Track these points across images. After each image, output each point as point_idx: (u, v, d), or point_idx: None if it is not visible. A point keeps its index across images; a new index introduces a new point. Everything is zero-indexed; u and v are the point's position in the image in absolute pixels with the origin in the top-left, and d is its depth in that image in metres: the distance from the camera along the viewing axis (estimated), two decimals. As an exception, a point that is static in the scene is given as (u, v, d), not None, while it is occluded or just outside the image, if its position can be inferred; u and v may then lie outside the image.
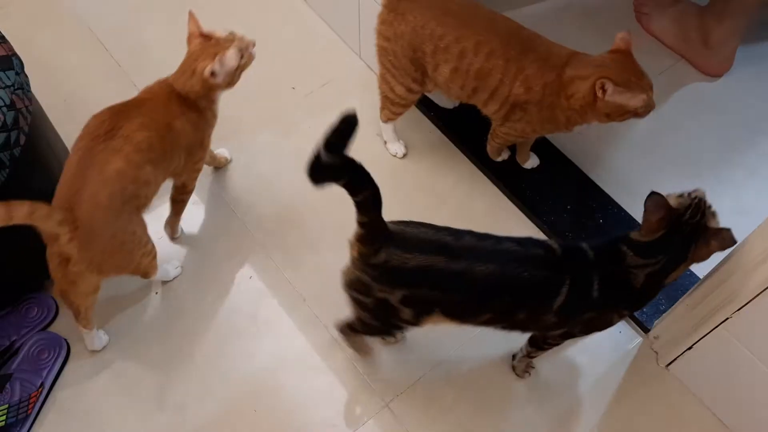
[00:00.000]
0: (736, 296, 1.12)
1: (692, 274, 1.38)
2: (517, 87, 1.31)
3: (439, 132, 1.67)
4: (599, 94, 1.21)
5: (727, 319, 1.15)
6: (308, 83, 1.74)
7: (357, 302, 1.17)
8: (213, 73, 1.23)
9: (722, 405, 1.30)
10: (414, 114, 1.68)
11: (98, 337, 1.37)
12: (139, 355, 1.38)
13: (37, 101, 1.35)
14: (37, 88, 1.35)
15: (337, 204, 1.54)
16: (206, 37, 1.28)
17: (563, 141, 1.63)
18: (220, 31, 1.29)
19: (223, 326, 1.41)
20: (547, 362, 1.37)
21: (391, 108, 1.52)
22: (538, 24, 1.35)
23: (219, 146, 1.61)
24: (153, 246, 1.31)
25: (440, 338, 1.40)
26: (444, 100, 1.65)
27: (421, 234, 1.10)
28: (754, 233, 1.08)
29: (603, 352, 1.39)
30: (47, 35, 1.83)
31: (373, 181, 1.02)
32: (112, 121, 1.20)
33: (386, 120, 1.56)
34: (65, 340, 1.37)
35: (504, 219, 1.55)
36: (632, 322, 1.42)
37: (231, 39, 1.27)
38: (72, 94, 1.71)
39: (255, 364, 1.37)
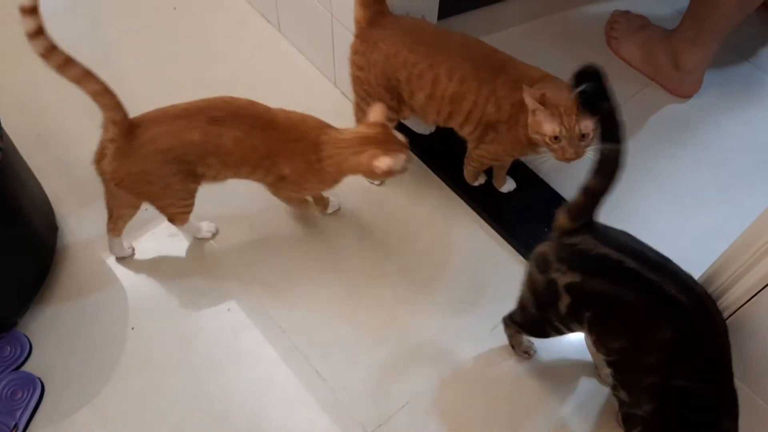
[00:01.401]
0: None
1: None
2: (489, 107, 1.33)
3: (415, 158, 1.68)
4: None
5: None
6: (284, 113, 1.75)
7: (529, 282, 1.18)
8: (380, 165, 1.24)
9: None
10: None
11: (119, 245, 1.47)
12: (117, 392, 1.35)
13: (8, 137, 1.34)
14: (9, 123, 1.34)
15: (316, 234, 1.56)
16: (384, 126, 1.28)
17: (539, 164, 1.64)
18: (398, 134, 1.30)
19: (202, 360, 1.39)
20: (528, 387, 1.37)
21: (367, 136, 1.52)
22: (512, 49, 1.37)
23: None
24: (190, 204, 1.38)
25: (421, 367, 1.39)
26: (420, 127, 1.66)
27: (622, 237, 1.11)
28: (727, 251, 1.09)
29: (588, 370, 1.39)
30: (20, 69, 1.82)
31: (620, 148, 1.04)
32: (226, 113, 1.26)
33: (363, 147, 1.57)
34: (39, 379, 1.34)
35: (482, 242, 1.55)
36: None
37: (405, 144, 1.28)
38: (45, 130, 1.70)
39: (236, 397, 1.35)
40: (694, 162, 1.69)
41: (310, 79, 1.83)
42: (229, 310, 1.45)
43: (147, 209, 1.56)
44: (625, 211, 1.60)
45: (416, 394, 1.35)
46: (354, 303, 1.46)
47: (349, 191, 1.60)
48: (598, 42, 1.91)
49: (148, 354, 1.39)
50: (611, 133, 1.04)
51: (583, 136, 1.22)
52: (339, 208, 1.57)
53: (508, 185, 1.61)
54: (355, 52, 1.39)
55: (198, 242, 1.53)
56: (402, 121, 1.53)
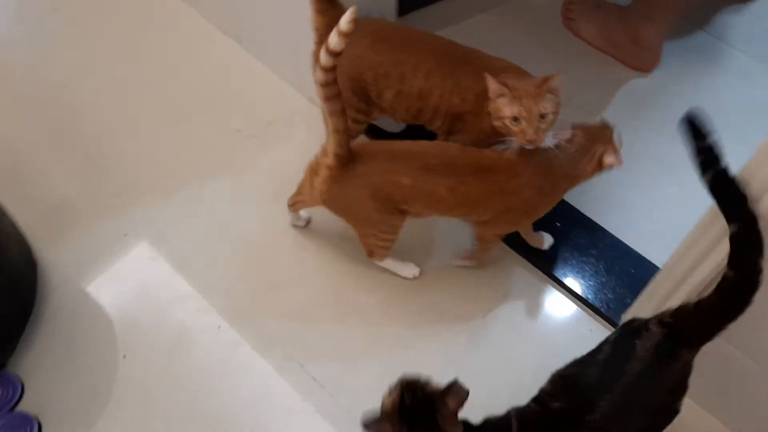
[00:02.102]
0: (688, 280, 1.16)
1: (654, 266, 1.43)
2: (455, 99, 1.35)
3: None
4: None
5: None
6: (252, 124, 1.74)
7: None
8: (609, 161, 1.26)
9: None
10: (362, 141, 1.69)
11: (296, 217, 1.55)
12: (114, 422, 1.33)
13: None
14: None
15: (304, 241, 1.56)
16: (583, 127, 1.28)
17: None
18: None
19: (197, 379, 1.38)
20: (523, 384, 1.39)
21: (339, 139, 1.53)
22: (473, 39, 1.39)
23: (165, 195, 1.60)
24: (391, 240, 1.40)
25: (419, 365, 1.40)
26: (390, 124, 1.67)
27: (672, 387, 1.07)
28: (699, 222, 1.12)
29: (573, 350, 1.41)
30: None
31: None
32: (440, 162, 1.26)
33: (335, 152, 1.57)
34: (35, 418, 1.32)
35: (469, 237, 1.56)
36: (601, 318, 1.45)
37: (610, 133, 1.28)
38: (13, 164, 1.67)
39: (233, 412, 1.35)
40: (661, 134, 1.72)
41: (275, 89, 1.82)
42: (219, 327, 1.44)
43: (127, 234, 1.56)
44: (599, 188, 1.63)
45: (414, 391, 1.36)
46: (347, 307, 1.47)
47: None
48: (556, 24, 1.94)
49: (142, 380, 1.38)
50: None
51: (542, 116, 1.24)
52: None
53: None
54: (317, 59, 1.39)
55: (179, 262, 1.52)
56: (372, 121, 1.54)
